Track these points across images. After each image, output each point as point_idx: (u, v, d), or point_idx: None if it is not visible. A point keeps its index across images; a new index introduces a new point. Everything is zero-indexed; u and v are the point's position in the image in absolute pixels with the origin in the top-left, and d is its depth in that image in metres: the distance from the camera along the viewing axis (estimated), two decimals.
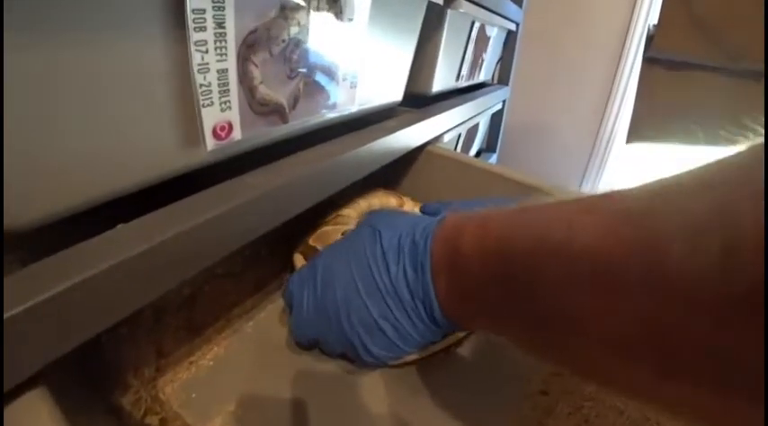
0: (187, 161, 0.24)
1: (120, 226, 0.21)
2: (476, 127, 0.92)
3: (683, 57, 1.05)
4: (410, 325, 0.26)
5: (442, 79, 0.63)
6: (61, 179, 0.19)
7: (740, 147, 0.15)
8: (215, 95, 0.23)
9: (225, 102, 0.24)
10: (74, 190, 0.20)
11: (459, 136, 0.79)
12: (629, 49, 1.26)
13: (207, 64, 0.22)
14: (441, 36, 0.56)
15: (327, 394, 0.34)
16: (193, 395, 0.33)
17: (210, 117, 0.23)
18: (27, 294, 0.16)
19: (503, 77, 1.05)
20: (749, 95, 0.89)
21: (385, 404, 0.34)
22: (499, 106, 1.03)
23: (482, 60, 0.81)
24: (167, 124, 0.22)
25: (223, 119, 0.24)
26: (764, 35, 0.82)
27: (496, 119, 1.09)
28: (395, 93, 0.48)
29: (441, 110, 0.56)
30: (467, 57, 0.70)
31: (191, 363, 0.35)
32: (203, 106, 0.23)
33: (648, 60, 1.07)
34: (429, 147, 0.53)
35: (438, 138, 0.58)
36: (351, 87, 0.37)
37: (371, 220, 0.31)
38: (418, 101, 0.59)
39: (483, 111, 0.85)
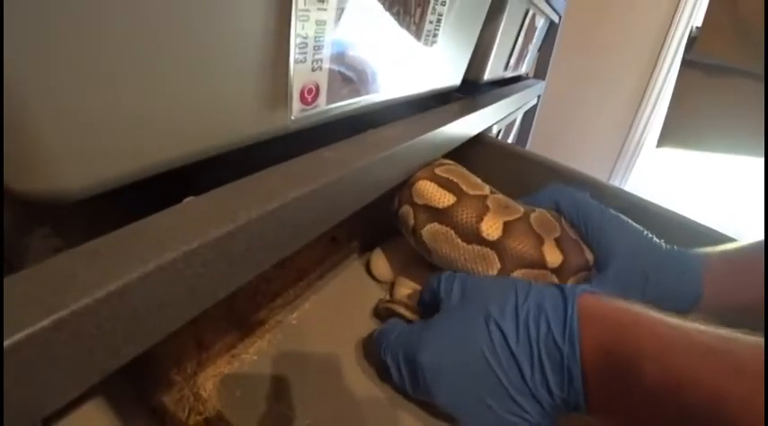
0: (268, 126, 0.21)
1: (188, 199, 0.18)
2: (513, 122, 0.88)
3: (724, 62, 1.01)
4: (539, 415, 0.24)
5: (493, 67, 0.59)
6: (126, 136, 0.15)
7: None
8: (309, 51, 0.19)
9: (317, 61, 0.20)
10: (139, 152, 0.16)
11: (500, 131, 0.76)
12: (667, 50, 1.21)
13: (307, 11, 0.18)
14: (500, 21, 0.52)
15: (379, 391, 0.31)
16: (237, 393, 0.29)
17: (301, 76, 0.20)
18: (83, 288, 0.12)
19: (539, 71, 1.01)
20: None
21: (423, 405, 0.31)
22: (534, 101, 0.99)
23: (527, 51, 0.77)
24: (251, 81, 0.19)
25: (312, 80, 0.21)
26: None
27: (528, 114, 1.05)
28: (456, 77, 0.45)
29: (495, 100, 0.53)
30: (517, 46, 0.66)
31: (233, 357, 0.32)
32: (296, 62, 0.19)
33: (688, 63, 1.02)
34: (484, 136, 0.49)
35: (488, 129, 0.55)
36: (425, 65, 0.33)
37: (480, 304, 0.27)
38: (466, 88, 0.55)
39: (522, 105, 0.81)
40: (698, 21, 1.07)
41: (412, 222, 0.33)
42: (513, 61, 0.68)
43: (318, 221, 0.21)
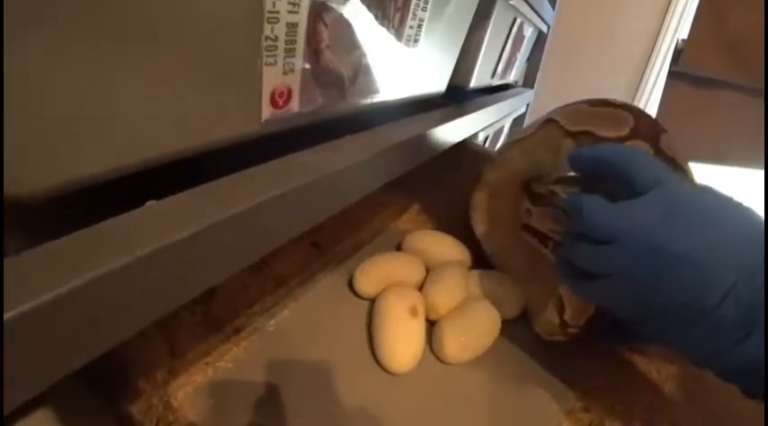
0: (236, 131, 0.20)
1: (150, 202, 0.17)
2: (501, 129, 0.88)
3: (710, 74, 1.02)
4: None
5: (480, 74, 0.59)
6: (89, 138, 0.15)
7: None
8: (280, 53, 0.19)
9: (289, 63, 0.20)
10: (98, 154, 0.16)
11: (487, 138, 0.76)
12: (654, 61, 1.23)
13: (277, 13, 0.18)
14: (486, 28, 0.53)
15: (357, 401, 0.31)
16: (210, 402, 0.29)
17: (271, 79, 0.19)
18: (33, 289, 0.12)
19: (528, 80, 1.01)
20: None
21: (415, 415, 0.31)
22: (523, 109, 1.00)
23: (515, 60, 0.77)
24: (219, 84, 0.18)
25: (283, 83, 0.20)
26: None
27: (517, 122, 1.05)
28: (441, 83, 0.45)
29: (480, 107, 0.53)
30: (504, 54, 0.67)
31: (206, 364, 0.31)
32: (266, 64, 0.19)
33: (674, 74, 1.03)
34: (469, 143, 0.49)
35: (474, 136, 0.55)
36: (405, 73, 0.33)
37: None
38: (453, 95, 0.56)
39: (510, 113, 0.81)
40: (684, 33, 1.09)
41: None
42: (500, 69, 0.69)
43: (287, 227, 0.20)
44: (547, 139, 0.35)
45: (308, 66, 0.21)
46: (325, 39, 0.22)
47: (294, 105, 0.22)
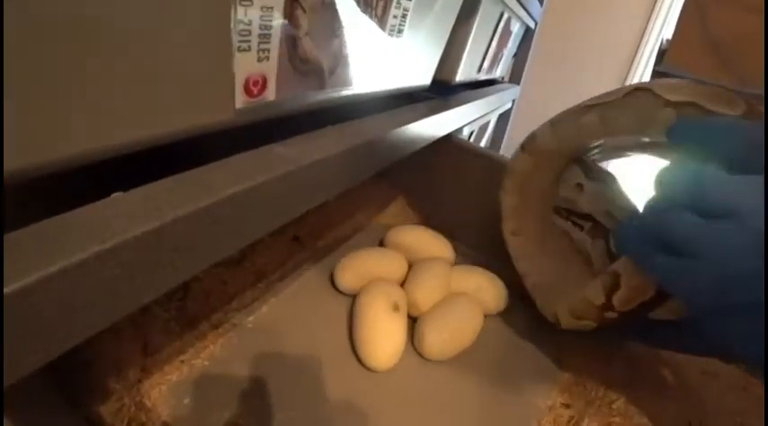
0: (208, 119, 0.19)
1: (116, 194, 0.16)
2: (486, 124, 0.88)
3: (693, 75, 1.03)
4: None
5: (465, 68, 0.58)
6: (45, 123, 0.14)
7: None
8: (254, 39, 0.18)
9: (264, 50, 0.19)
10: (57, 141, 0.14)
11: (473, 133, 0.76)
12: (639, 60, 1.24)
13: None
14: (473, 22, 0.52)
15: (338, 399, 0.30)
16: (185, 401, 0.28)
17: (244, 66, 0.19)
18: None
19: (515, 76, 1.01)
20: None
21: (396, 412, 0.30)
22: (509, 105, 1.00)
23: (502, 55, 0.77)
24: (189, 70, 0.17)
25: (258, 71, 0.19)
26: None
27: (503, 118, 1.05)
28: (426, 76, 0.44)
29: (465, 101, 0.52)
30: (490, 49, 0.66)
31: (182, 362, 0.30)
32: (239, 50, 0.18)
33: (658, 74, 1.05)
34: (455, 138, 0.49)
35: (459, 130, 0.55)
36: (388, 64, 0.32)
37: None
38: (438, 89, 0.55)
39: (496, 108, 0.81)
40: (669, 33, 1.10)
41: None
42: (486, 64, 0.68)
43: (263, 220, 0.20)
44: (637, 107, 0.32)
45: (285, 53, 0.21)
46: (304, 26, 0.21)
47: (270, 94, 0.21)
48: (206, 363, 0.31)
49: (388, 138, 0.30)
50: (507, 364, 0.36)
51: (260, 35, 0.18)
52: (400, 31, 0.31)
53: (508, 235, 0.41)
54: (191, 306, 0.34)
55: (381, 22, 0.28)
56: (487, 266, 0.43)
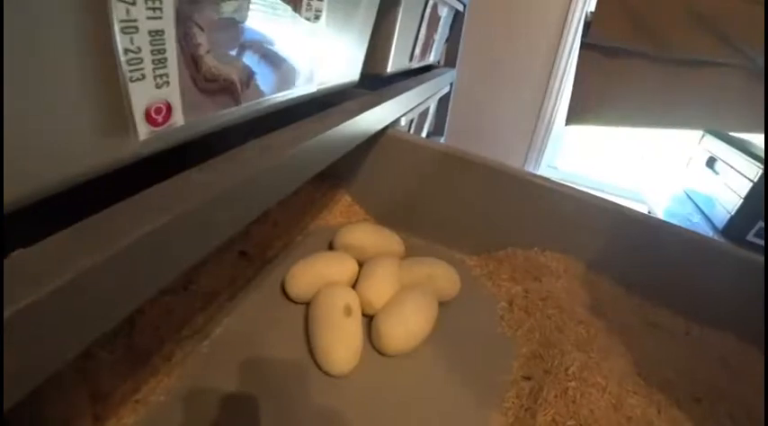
0: (109, 156, 0.18)
1: (16, 252, 0.15)
2: (426, 110, 0.89)
3: (617, 44, 1.09)
4: None
5: (396, 59, 0.59)
6: None
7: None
8: (147, 66, 0.17)
9: (161, 76, 0.18)
10: None
11: (412, 121, 0.76)
12: (568, 34, 1.29)
13: (134, 21, 0.16)
14: (397, 13, 0.52)
15: (305, 409, 0.30)
16: None
17: (142, 95, 0.18)
18: None
19: (450, 60, 1.02)
20: (682, 82, 0.94)
21: (365, 413, 0.31)
22: (447, 89, 1.01)
23: (433, 41, 0.78)
24: (81, 107, 0.16)
25: (159, 97, 0.19)
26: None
27: (443, 102, 1.07)
28: (352, 73, 0.44)
29: (399, 92, 0.52)
30: (420, 37, 0.66)
31: (137, 402, 0.29)
32: (131, 80, 0.17)
33: (586, 46, 1.09)
34: (391, 131, 0.49)
35: (396, 122, 0.55)
36: (309, 64, 0.32)
37: None
38: (371, 82, 0.55)
39: (434, 94, 0.82)
40: (592, 6, 1.15)
41: None
42: (417, 52, 0.69)
43: (180, 257, 0.19)
44: None
45: (187, 75, 0.20)
46: (204, 43, 0.20)
47: (178, 119, 0.20)
48: (162, 398, 0.30)
49: (316, 144, 0.29)
50: (467, 347, 0.37)
51: (153, 61, 0.18)
52: (317, 17, 0.30)
53: None
54: (138, 341, 0.32)
55: (297, 8, 0.27)
56: (438, 253, 0.43)
